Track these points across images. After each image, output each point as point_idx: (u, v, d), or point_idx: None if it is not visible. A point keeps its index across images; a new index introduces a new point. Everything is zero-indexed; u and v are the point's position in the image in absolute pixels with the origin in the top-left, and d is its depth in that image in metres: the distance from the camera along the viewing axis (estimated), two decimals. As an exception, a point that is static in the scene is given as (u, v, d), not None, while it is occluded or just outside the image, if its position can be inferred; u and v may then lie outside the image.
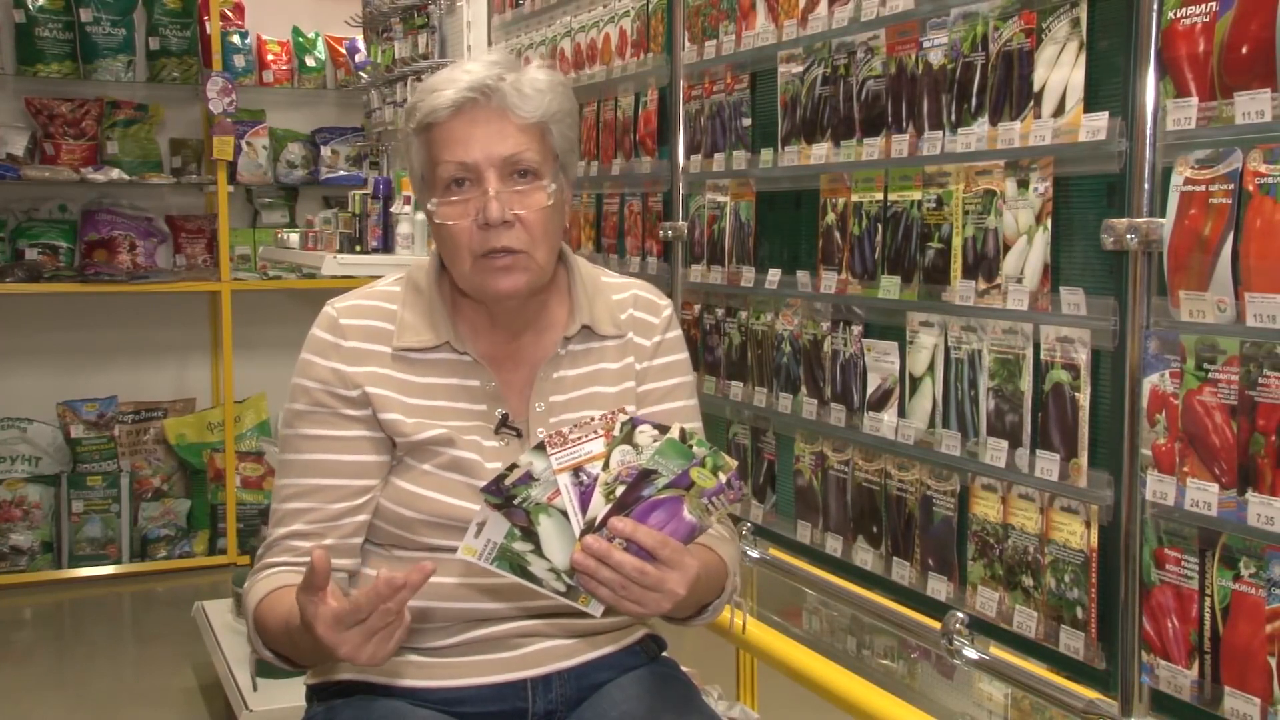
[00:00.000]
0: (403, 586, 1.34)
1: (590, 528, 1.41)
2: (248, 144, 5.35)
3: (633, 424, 1.46)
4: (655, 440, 1.44)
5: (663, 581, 1.40)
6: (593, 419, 1.47)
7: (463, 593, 1.62)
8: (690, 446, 1.44)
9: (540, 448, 1.45)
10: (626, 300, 1.77)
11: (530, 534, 1.43)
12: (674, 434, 1.44)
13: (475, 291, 1.65)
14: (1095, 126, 1.61)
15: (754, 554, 2.37)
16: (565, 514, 1.43)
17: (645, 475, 1.42)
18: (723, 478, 1.43)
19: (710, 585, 1.61)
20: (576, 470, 1.45)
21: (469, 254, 1.61)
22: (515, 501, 1.44)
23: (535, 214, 1.61)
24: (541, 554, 1.43)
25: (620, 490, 1.42)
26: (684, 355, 1.80)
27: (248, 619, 1.61)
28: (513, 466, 1.45)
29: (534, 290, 1.66)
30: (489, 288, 1.62)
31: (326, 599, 1.36)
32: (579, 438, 1.46)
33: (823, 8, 2.15)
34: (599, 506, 1.42)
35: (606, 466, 1.44)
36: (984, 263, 1.80)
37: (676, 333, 1.80)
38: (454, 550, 1.61)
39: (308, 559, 1.41)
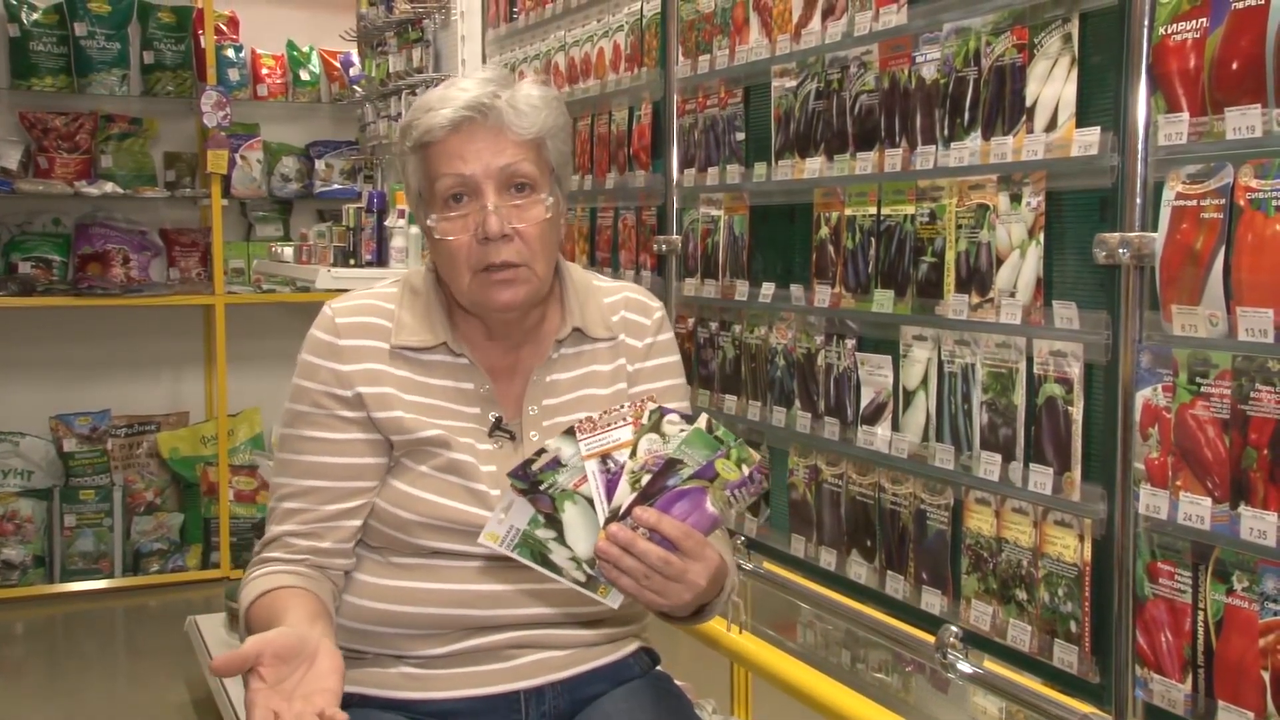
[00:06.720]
0: None
1: (615, 516, 1.40)
2: (242, 157, 5.35)
3: (660, 412, 1.45)
4: (682, 430, 1.43)
5: (685, 572, 1.40)
6: (622, 406, 1.46)
7: (459, 599, 1.62)
8: (716, 438, 1.43)
9: (570, 433, 1.44)
10: (618, 303, 1.78)
11: (554, 521, 1.43)
12: (701, 424, 1.43)
13: (475, 306, 1.66)
14: (1087, 141, 1.61)
15: (748, 567, 2.37)
16: (590, 501, 1.42)
17: (671, 465, 1.41)
18: (746, 470, 1.42)
19: (713, 584, 1.60)
20: (604, 457, 1.44)
21: (468, 269, 1.62)
22: (542, 487, 1.43)
23: (534, 227, 1.62)
24: (564, 542, 1.43)
25: (646, 479, 1.41)
26: (676, 358, 1.81)
27: (240, 616, 1.63)
28: (541, 451, 1.44)
29: (533, 303, 1.67)
30: (489, 301, 1.63)
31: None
32: (608, 424, 1.45)
33: (816, 22, 2.16)
34: (624, 495, 1.41)
35: (634, 454, 1.43)
36: (977, 276, 1.80)
37: (669, 335, 1.81)
38: (451, 555, 1.62)
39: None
